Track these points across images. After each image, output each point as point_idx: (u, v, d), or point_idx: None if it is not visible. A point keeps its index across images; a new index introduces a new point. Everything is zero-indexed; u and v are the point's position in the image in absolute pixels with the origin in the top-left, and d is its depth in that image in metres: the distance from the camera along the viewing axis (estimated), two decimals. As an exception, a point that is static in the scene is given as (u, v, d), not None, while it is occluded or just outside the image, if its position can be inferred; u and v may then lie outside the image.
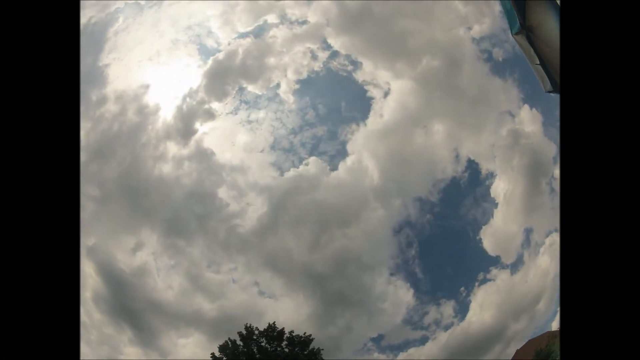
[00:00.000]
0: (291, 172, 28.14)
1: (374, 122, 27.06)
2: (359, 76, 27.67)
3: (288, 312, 25.06)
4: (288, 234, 27.46)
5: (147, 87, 32.16)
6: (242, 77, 30.01)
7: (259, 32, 30.37)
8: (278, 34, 29.92)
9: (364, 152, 26.95)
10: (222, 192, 29.01)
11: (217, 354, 20.65)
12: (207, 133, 30.93)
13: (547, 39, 5.01)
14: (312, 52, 29.00)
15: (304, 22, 29.58)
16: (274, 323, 21.34)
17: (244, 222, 28.23)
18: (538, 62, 5.29)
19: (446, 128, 26.40)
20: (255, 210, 28.36)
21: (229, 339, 20.89)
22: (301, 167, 27.76)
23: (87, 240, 27.26)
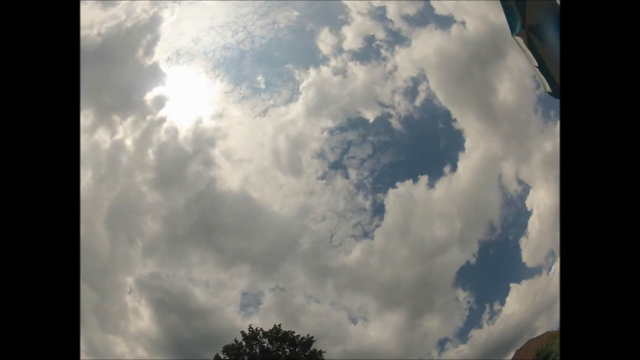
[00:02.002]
0: (389, 200, 28.56)
1: (462, 163, 29.20)
2: (450, 118, 29.00)
3: (374, 331, 26.87)
4: (379, 259, 28.04)
5: (219, 96, 29.87)
6: (353, 100, 29.32)
7: (366, 51, 29.77)
8: (383, 53, 29.67)
9: (451, 190, 28.97)
10: (319, 223, 28.50)
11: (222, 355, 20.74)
12: (308, 156, 29.41)
13: (547, 39, 5.01)
14: (414, 80, 29.23)
15: (409, 44, 29.41)
16: (279, 325, 21.41)
17: (344, 253, 28.06)
18: (537, 64, 5.29)
19: (512, 164, 29.25)
20: (353, 237, 28.30)
21: (235, 340, 20.97)
22: (393, 196, 28.53)
23: (143, 270, 26.28)
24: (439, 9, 29.75)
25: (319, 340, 22.45)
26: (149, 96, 28.79)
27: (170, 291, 25.69)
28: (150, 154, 28.12)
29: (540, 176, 27.60)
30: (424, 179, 28.45)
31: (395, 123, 28.89)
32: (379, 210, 28.11)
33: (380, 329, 26.74)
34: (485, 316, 26.09)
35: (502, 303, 25.84)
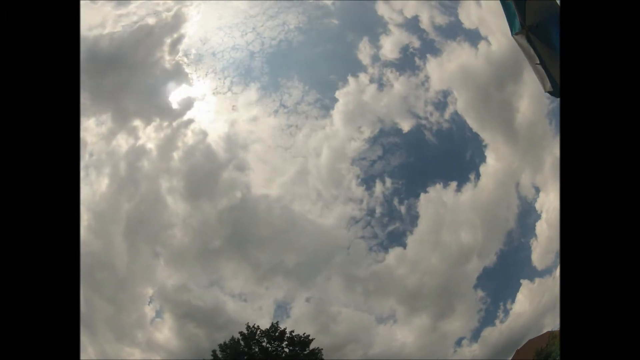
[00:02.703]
0: (422, 204, 29.78)
1: (484, 172, 30.35)
2: (475, 131, 30.25)
3: (401, 334, 27.83)
4: (409, 265, 28.92)
5: (255, 103, 29.49)
6: (388, 111, 29.64)
7: (404, 60, 30.09)
8: (417, 62, 30.04)
9: (475, 195, 30.33)
10: (353, 230, 28.95)
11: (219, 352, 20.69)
12: (343, 164, 29.38)
13: (547, 39, 5.01)
14: (444, 93, 29.88)
15: (440, 54, 29.79)
16: (277, 322, 21.44)
17: (382, 261, 28.61)
18: (538, 62, 5.29)
19: (529, 173, 30.51)
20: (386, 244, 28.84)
21: (233, 337, 20.93)
22: (424, 200, 29.79)
23: (167, 281, 26.09)
24: (467, 23, 30.41)
25: (350, 344, 23.28)
26: (171, 99, 28.63)
27: (194, 303, 25.70)
28: (175, 159, 28.00)
29: (550, 179, 28.34)
30: (453, 185, 29.60)
31: (428, 134, 29.75)
32: (412, 214, 29.21)
33: (407, 331, 27.82)
34: (500, 315, 27.13)
35: (513, 303, 26.65)
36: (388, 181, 29.33)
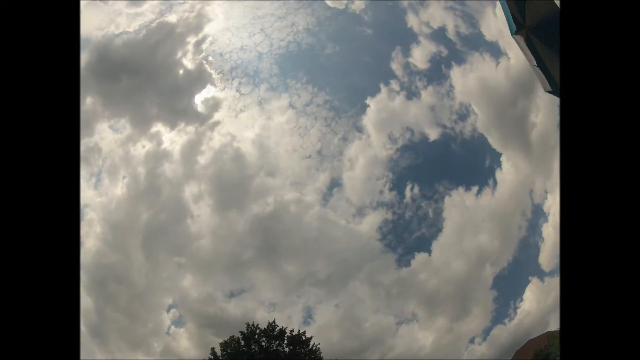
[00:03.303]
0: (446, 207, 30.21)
1: (501, 179, 30.94)
2: (493, 141, 30.69)
3: (422, 335, 28.22)
4: (433, 270, 29.55)
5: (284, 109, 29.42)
6: (416, 120, 29.98)
7: (434, 69, 30.40)
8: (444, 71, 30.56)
9: (493, 200, 30.76)
10: (380, 236, 29.31)
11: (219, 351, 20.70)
12: (369, 170, 29.69)
13: (547, 39, 5.02)
14: (464, 107, 30.62)
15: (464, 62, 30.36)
16: (274, 321, 21.44)
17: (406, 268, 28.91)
18: (536, 64, 5.29)
19: (541, 180, 30.88)
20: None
21: (232, 336, 20.93)
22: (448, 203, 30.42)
23: (191, 291, 26.18)
24: (488, 35, 30.90)
25: (373, 345, 24.16)
26: (196, 101, 28.43)
27: (218, 314, 25.76)
28: (201, 164, 27.83)
29: (557, 181, 28.52)
30: (474, 189, 29.92)
31: (452, 143, 30.36)
32: (437, 217, 29.89)
33: (427, 333, 28.25)
34: (511, 313, 27.57)
35: (521, 301, 27.02)
36: (416, 187, 29.77)
